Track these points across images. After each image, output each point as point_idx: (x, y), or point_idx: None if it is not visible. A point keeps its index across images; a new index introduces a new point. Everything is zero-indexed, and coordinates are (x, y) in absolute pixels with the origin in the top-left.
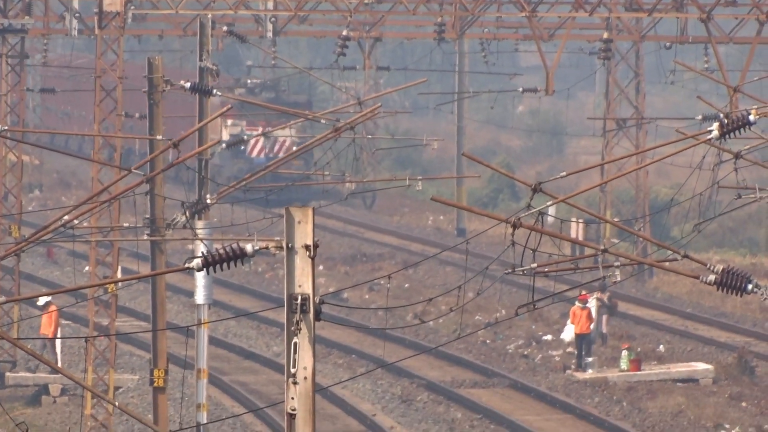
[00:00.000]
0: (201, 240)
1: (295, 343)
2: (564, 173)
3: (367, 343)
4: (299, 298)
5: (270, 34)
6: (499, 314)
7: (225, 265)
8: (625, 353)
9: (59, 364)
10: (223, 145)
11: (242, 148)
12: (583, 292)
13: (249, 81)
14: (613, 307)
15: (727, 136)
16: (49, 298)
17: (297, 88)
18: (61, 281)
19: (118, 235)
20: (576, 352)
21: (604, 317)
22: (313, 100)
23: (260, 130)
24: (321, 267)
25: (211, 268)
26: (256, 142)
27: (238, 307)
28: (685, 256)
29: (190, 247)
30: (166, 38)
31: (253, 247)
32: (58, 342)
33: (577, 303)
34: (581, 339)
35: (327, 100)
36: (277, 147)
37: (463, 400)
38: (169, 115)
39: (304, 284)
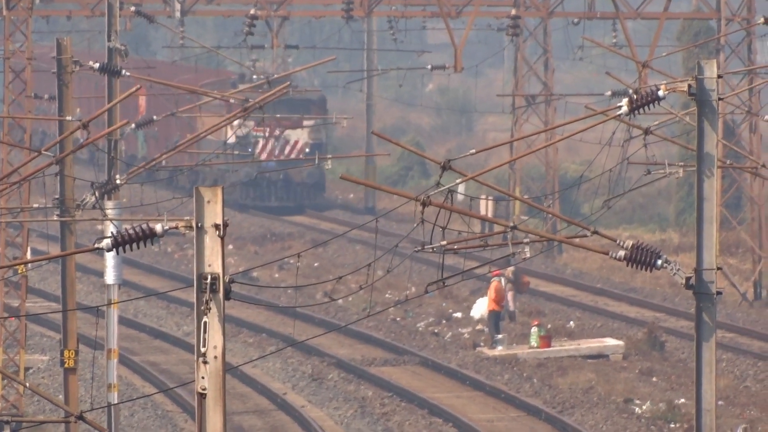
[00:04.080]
0: (110, 220)
1: (205, 323)
2: (473, 151)
3: (277, 321)
4: (209, 277)
5: (178, 14)
6: (408, 292)
7: (135, 245)
8: (535, 330)
9: None
10: (132, 125)
11: (249, 150)
12: (495, 269)
13: (255, 77)
14: (519, 283)
15: (636, 111)
16: None
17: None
18: None
19: (27, 216)
20: (490, 330)
21: (510, 294)
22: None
23: (268, 131)
24: (230, 246)
25: (120, 248)
26: (265, 144)
27: (147, 287)
28: (595, 232)
29: (100, 227)
30: (74, 19)
31: (162, 226)
32: None
33: (497, 278)
34: (498, 315)
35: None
36: (288, 149)
37: (373, 378)
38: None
39: (213, 264)
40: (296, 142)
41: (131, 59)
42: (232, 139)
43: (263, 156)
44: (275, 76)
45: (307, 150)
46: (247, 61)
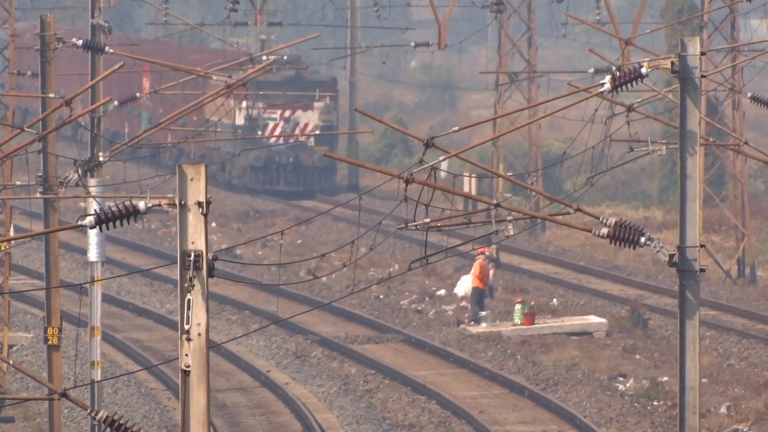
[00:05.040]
0: (94, 197)
1: (189, 300)
2: (456, 128)
3: (261, 299)
4: (192, 254)
5: None
6: (392, 269)
7: (118, 222)
8: (518, 307)
9: None
10: (116, 102)
11: (258, 133)
12: (481, 246)
13: (264, 58)
14: (496, 259)
15: (619, 89)
16: None
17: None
18: None
19: (10, 193)
20: (473, 307)
21: (491, 271)
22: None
23: (279, 113)
24: (214, 224)
25: (103, 226)
26: (275, 126)
27: (131, 264)
28: (578, 210)
29: (83, 204)
30: None
31: (145, 204)
32: None
33: (481, 256)
34: (483, 293)
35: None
36: (297, 131)
37: (357, 356)
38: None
39: (197, 241)
40: (306, 125)
41: (115, 36)
42: (241, 122)
43: (272, 140)
44: (285, 57)
45: (317, 132)
46: (230, 38)
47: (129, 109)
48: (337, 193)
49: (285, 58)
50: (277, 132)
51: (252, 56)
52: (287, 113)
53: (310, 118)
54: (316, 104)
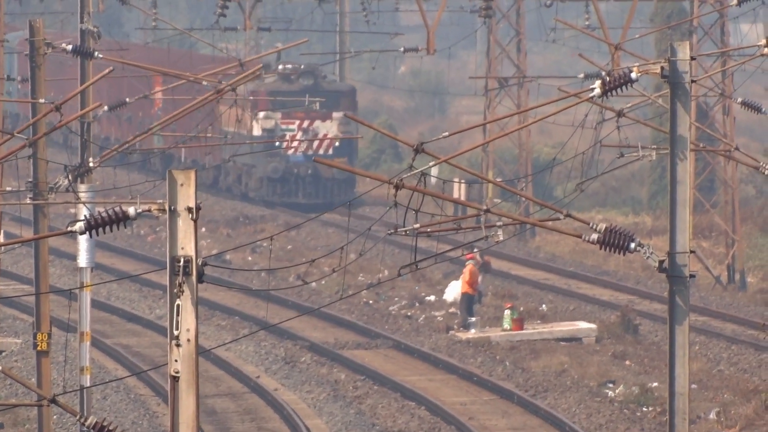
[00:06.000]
0: (83, 203)
1: (178, 306)
2: (446, 133)
3: (250, 304)
4: (182, 260)
5: None
6: (381, 275)
7: (107, 228)
8: (507, 313)
9: None
10: (105, 108)
11: (276, 144)
12: (468, 252)
13: (281, 66)
14: (487, 265)
15: (609, 94)
16: None
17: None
18: None
19: (0, 199)
20: (463, 313)
21: (481, 276)
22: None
23: (297, 124)
24: (203, 229)
25: (93, 231)
26: (292, 138)
27: (120, 269)
28: (568, 215)
29: (73, 210)
30: (47, 0)
31: (135, 209)
32: None
33: (471, 261)
34: (472, 298)
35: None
36: (316, 143)
37: (346, 361)
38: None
39: (186, 246)
40: (325, 136)
41: (104, 41)
42: (258, 132)
43: (290, 151)
44: (302, 66)
45: (336, 144)
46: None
47: (140, 119)
48: (357, 206)
49: (302, 67)
50: (296, 142)
51: (241, 62)
52: (305, 123)
53: (329, 129)
54: (335, 114)
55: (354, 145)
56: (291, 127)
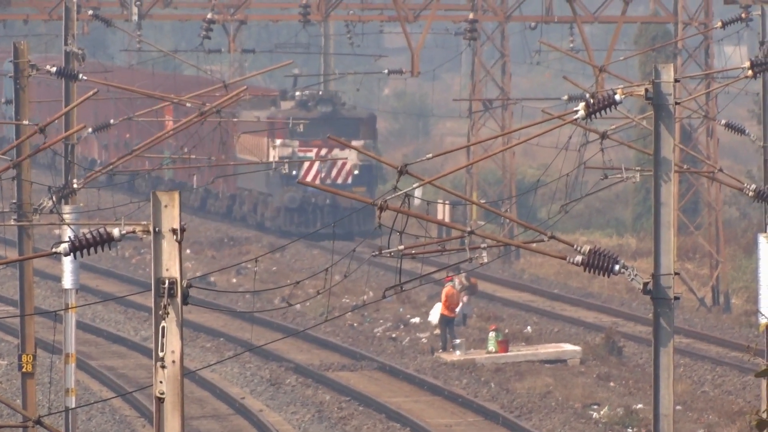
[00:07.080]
0: (68, 225)
1: (163, 327)
2: (430, 155)
3: (235, 326)
4: (167, 282)
5: (135, 18)
6: (366, 297)
7: (92, 249)
8: (492, 335)
9: None
10: (90, 130)
11: (293, 173)
12: (449, 274)
13: (298, 93)
14: (473, 287)
15: (592, 116)
16: None
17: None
18: None
19: None
20: (445, 336)
21: (465, 298)
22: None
23: (315, 151)
24: (188, 251)
25: (78, 253)
26: (310, 166)
27: (105, 291)
28: (552, 237)
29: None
30: (32, 23)
31: (120, 231)
32: None
33: (450, 284)
34: (451, 321)
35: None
36: (335, 172)
37: (331, 383)
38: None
39: (171, 268)
40: (344, 164)
41: (89, 63)
42: (274, 159)
43: (308, 180)
44: (320, 92)
45: (356, 172)
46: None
47: (151, 145)
48: (377, 236)
49: (320, 93)
50: (314, 171)
51: (225, 84)
52: (323, 151)
53: (348, 156)
54: (355, 142)
55: (374, 172)
56: (309, 154)
